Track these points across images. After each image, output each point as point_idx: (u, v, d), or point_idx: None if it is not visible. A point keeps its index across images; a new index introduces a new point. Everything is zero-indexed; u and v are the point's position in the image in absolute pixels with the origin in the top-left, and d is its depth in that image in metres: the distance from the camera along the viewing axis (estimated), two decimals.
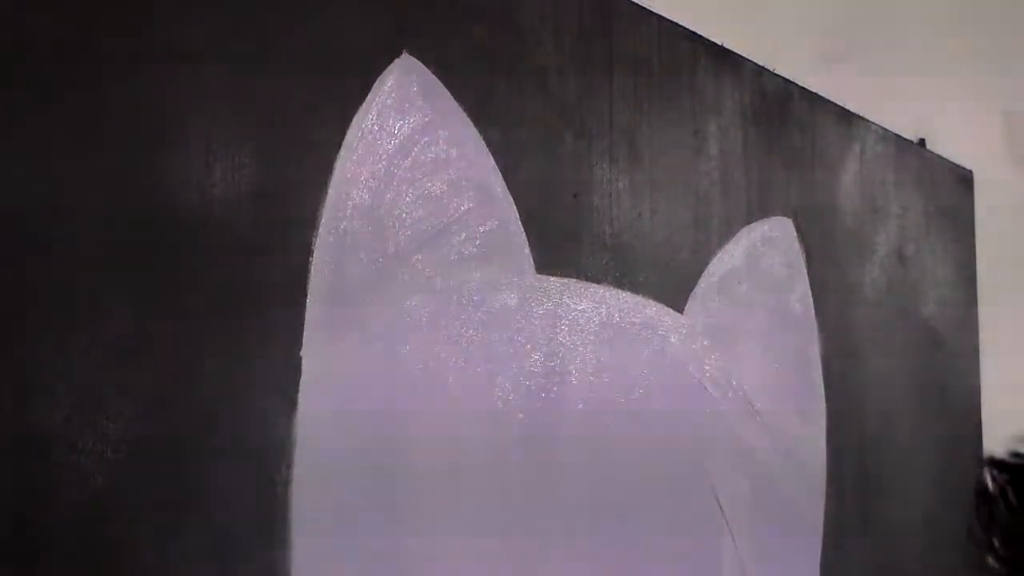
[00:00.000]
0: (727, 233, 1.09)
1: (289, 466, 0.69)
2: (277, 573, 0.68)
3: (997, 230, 1.60)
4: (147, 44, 0.64)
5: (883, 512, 1.30)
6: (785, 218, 1.17)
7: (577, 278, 0.91)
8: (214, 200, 0.67)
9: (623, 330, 0.94)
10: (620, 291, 0.95)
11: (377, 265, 0.76)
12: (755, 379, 1.09)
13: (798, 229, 1.19)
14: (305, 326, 0.71)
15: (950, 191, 1.52)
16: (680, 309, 1.02)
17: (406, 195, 0.78)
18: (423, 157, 0.79)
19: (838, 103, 1.29)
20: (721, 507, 1.03)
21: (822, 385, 1.20)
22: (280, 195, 0.71)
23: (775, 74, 1.18)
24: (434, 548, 0.78)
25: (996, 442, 1.68)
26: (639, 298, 0.97)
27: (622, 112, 0.98)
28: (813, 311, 1.19)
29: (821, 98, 1.26)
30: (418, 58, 0.80)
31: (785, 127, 1.20)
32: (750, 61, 1.15)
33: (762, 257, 1.12)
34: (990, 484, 0.57)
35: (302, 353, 0.70)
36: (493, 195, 0.84)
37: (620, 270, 0.96)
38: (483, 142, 0.84)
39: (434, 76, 0.81)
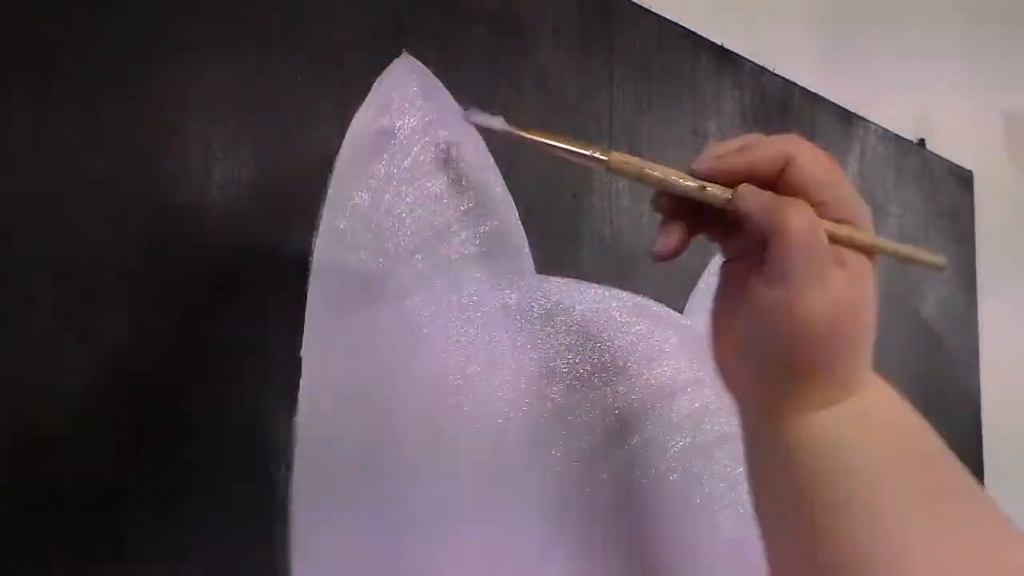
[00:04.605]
0: None
1: (289, 467, 0.69)
2: (277, 573, 0.68)
3: (997, 230, 1.61)
4: (146, 44, 0.64)
5: None
6: None
7: (577, 278, 0.91)
8: (213, 200, 0.67)
9: (623, 330, 0.94)
10: (620, 291, 0.95)
11: (377, 265, 0.76)
12: None
13: None
14: (305, 326, 0.71)
15: (950, 191, 1.52)
16: (680, 309, 1.02)
17: (406, 195, 0.78)
18: (423, 157, 0.79)
19: (838, 103, 1.29)
20: (723, 506, 1.03)
21: None
22: (280, 195, 0.71)
23: (775, 74, 1.18)
24: (435, 548, 0.77)
25: (996, 442, 1.68)
26: (639, 298, 0.97)
27: (622, 112, 0.98)
28: None
29: (821, 98, 1.26)
30: (418, 58, 0.80)
31: (785, 127, 1.20)
32: (750, 61, 1.15)
33: None
34: None
35: (302, 353, 0.70)
36: (493, 195, 0.84)
37: (620, 270, 0.96)
38: (483, 142, 0.84)
39: (434, 76, 0.81)
